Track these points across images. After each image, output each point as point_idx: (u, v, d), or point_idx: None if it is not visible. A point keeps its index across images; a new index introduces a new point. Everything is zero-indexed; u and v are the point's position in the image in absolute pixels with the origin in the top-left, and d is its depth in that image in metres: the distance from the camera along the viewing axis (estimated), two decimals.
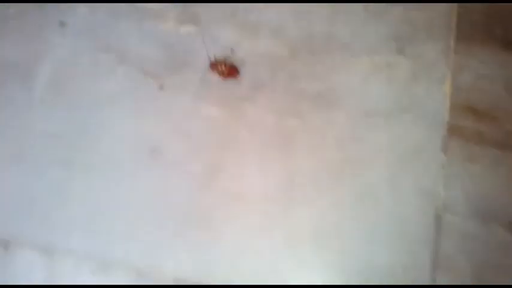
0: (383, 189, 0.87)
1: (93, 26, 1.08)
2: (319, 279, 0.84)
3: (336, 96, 0.94)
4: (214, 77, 0.98)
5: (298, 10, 1.02)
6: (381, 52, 0.96)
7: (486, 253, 0.80)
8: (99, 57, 1.04)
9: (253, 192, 0.89)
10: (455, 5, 0.98)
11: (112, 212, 0.91)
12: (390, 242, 0.83)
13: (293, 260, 0.85)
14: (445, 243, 0.81)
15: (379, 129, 0.91)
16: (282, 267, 0.85)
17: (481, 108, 0.89)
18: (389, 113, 0.91)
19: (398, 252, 0.82)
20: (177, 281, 0.86)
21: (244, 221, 0.87)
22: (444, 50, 0.94)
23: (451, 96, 0.90)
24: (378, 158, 0.89)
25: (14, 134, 0.98)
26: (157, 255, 0.88)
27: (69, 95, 1.00)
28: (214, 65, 0.97)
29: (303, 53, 0.99)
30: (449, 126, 0.88)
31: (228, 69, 0.96)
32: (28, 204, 0.93)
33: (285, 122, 0.93)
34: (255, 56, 1.00)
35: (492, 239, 0.81)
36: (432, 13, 0.98)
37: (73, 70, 1.02)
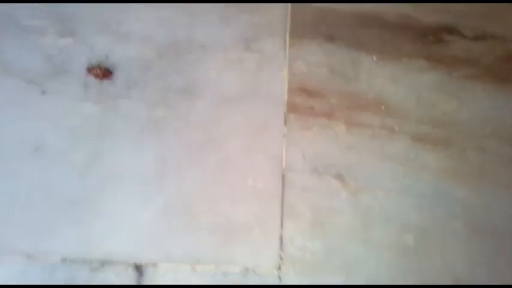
0: (239, 159, 0.93)
1: None
2: (190, 241, 0.87)
3: (197, 87, 1.00)
4: (91, 80, 0.99)
5: (163, 19, 1.07)
6: (232, 50, 1.04)
7: (321, 200, 0.89)
8: None
9: (131, 173, 0.92)
10: (289, 8, 1.08)
11: (3, 207, 0.89)
12: (247, 200, 0.89)
13: (167, 227, 0.88)
14: (290, 196, 0.89)
15: (233, 112, 0.98)
16: (157, 234, 0.87)
17: (311, 88, 0.99)
18: (241, 98, 0.99)
19: (254, 207, 0.88)
20: (65, 260, 0.85)
21: (124, 198, 0.90)
22: (282, 44, 1.04)
23: (288, 81, 0.99)
24: (234, 135, 0.95)
25: None
26: (45, 238, 0.87)
27: None
28: (90, 69, 1.00)
29: (169, 54, 1.04)
30: (288, 104, 0.97)
31: (103, 72, 0.99)
32: None
33: (156, 112, 0.98)
34: (127, 59, 1.03)
35: (325, 188, 0.89)
36: (271, 16, 1.08)
37: None
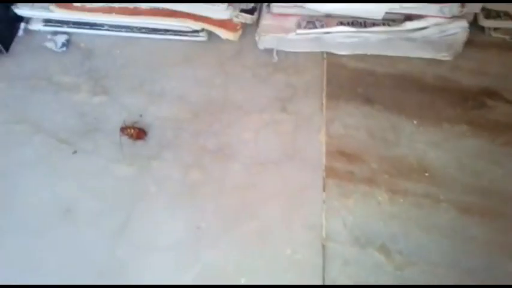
0: (277, 227, 0.88)
1: (9, 99, 1.04)
2: None
3: (232, 149, 0.97)
4: (125, 140, 0.97)
5: (198, 78, 1.06)
6: (268, 111, 1.02)
7: (365, 274, 0.83)
8: (14, 129, 1.00)
9: (164, 241, 0.88)
10: (325, 70, 1.07)
11: (28, 274, 0.84)
12: (286, 272, 0.84)
13: None
14: (331, 269, 0.84)
15: (270, 176, 0.94)
16: None
17: (350, 151, 0.95)
18: (278, 161, 0.96)
19: (293, 281, 0.83)
20: None
21: (157, 269, 0.85)
22: (318, 106, 1.02)
23: (326, 144, 0.96)
24: (270, 201, 0.91)
25: None
26: None
27: None
28: (124, 129, 0.97)
29: (203, 115, 1.02)
30: (326, 169, 0.93)
31: (137, 132, 0.97)
32: None
33: (190, 175, 0.94)
34: (161, 119, 1.01)
35: (369, 261, 0.84)
36: (308, 77, 1.07)
37: None
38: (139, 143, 0.98)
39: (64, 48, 1.12)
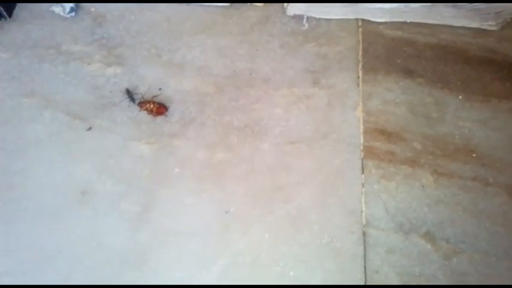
0: (312, 212, 0.80)
1: (16, 70, 0.93)
2: None
3: (261, 126, 0.87)
4: (144, 116, 0.87)
5: (220, 48, 0.95)
6: (299, 84, 0.92)
7: (410, 264, 0.76)
8: (22, 102, 0.90)
9: (189, 227, 0.79)
10: (360, 39, 0.96)
11: (46, 260, 0.76)
12: (324, 263, 0.76)
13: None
14: (373, 259, 0.76)
15: (303, 155, 0.85)
16: None
17: (390, 129, 0.86)
18: (311, 139, 0.86)
19: (332, 271, 0.75)
20: None
21: (181, 257, 0.77)
22: (354, 80, 0.91)
23: (363, 121, 0.87)
24: (304, 182, 0.82)
25: None
26: None
27: None
28: (142, 104, 0.87)
29: (228, 89, 0.91)
30: (364, 149, 0.84)
31: (157, 107, 0.87)
32: None
33: (215, 155, 0.85)
34: (183, 93, 0.91)
35: (413, 249, 0.77)
36: (341, 48, 0.96)
37: None
38: (159, 119, 0.88)
39: (73, 14, 1.00)
